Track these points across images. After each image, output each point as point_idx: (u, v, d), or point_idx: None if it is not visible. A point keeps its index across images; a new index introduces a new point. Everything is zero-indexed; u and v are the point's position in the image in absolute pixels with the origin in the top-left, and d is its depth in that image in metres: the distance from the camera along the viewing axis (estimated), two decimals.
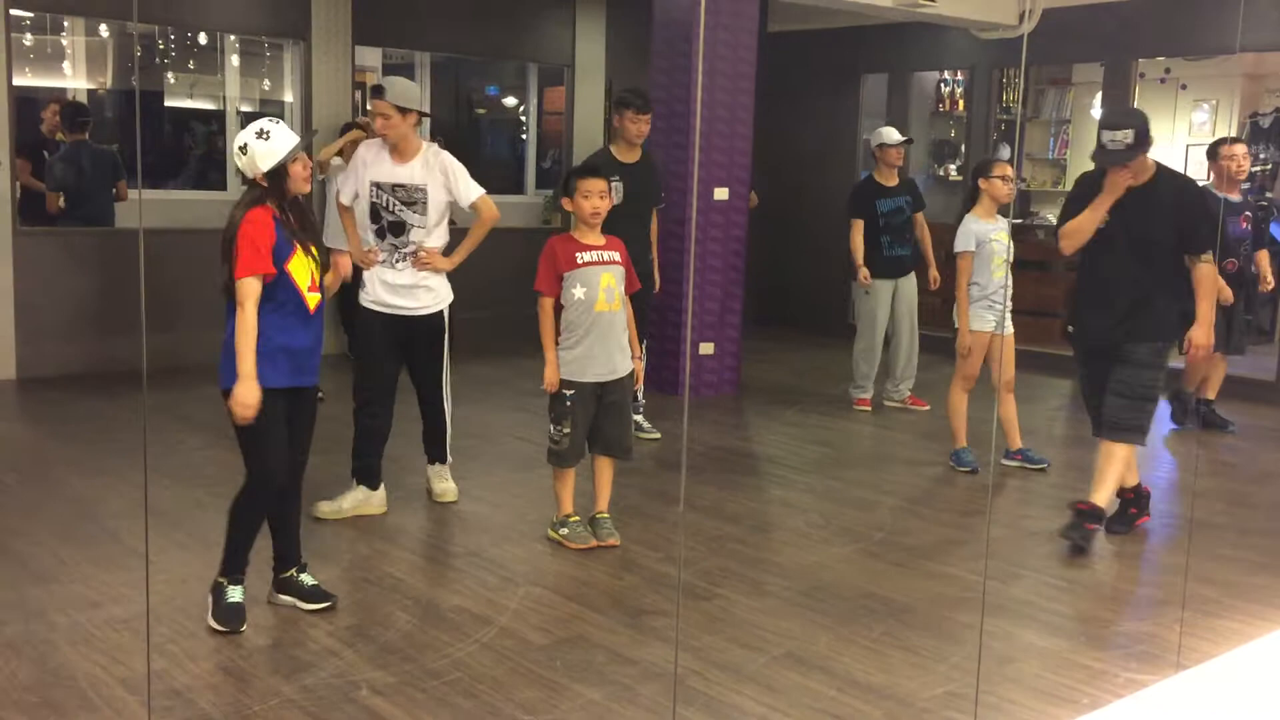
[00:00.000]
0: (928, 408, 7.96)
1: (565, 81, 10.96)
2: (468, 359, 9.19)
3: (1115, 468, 5.15)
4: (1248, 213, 7.40)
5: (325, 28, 9.15)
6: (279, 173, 3.89)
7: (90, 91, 11.00)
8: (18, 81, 8.19)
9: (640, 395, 6.81)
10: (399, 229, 5.15)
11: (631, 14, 9.80)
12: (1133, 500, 5.47)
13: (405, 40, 10.30)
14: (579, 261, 4.80)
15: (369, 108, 5.38)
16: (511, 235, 10.30)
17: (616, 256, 4.90)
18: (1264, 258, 7.54)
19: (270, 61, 10.64)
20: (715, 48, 8.01)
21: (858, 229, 7.79)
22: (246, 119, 4.05)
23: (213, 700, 3.50)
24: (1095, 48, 9.64)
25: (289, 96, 9.65)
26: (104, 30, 10.78)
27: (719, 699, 3.61)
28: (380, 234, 5.20)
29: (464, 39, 10.30)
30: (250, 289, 3.83)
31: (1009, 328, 6.42)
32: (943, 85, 11.76)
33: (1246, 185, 11.36)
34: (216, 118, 10.47)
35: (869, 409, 7.96)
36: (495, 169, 13.00)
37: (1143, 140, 4.95)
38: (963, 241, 6.28)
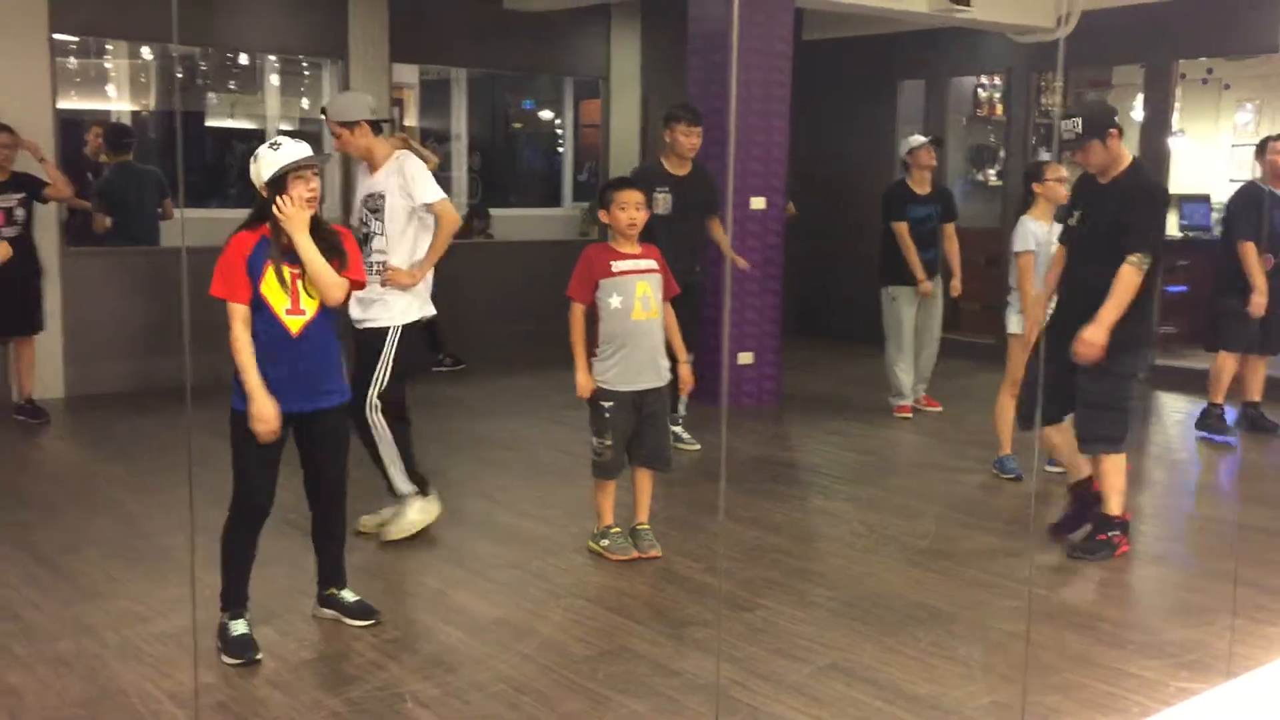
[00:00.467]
0: (940, 409, 7.95)
1: (601, 94, 11.00)
2: (504, 371, 9.25)
3: (1109, 480, 5.04)
4: None
5: (362, 46, 9.24)
6: (278, 185, 3.82)
7: (133, 113, 11.18)
8: (62, 104, 8.33)
9: (683, 407, 6.82)
10: (368, 240, 5.07)
11: (666, 26, 9.82)
12: (1096, 521, 5.19)
13: (441, 57, 10.38)
14: (614, 270, 4.81)
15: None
16: (548, 247, 10.36)
17: (653, 265, 4.90)
18: None
19: (309, 80, 10.77)
20: (750, 57, 8.00)
21: (903, 231, 7.72)
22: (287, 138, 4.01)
23: (259, 713, 3.53)
24: (1135, 49, 9.55)
25: None
26: (146, 53, 10.95)
27: (763, 710, 3.59)
28: (364, 247, 5.14)
29: (499, 54, 10.36)
30: (230, 310, 3.81)
31: None
32: (980, 90, 11.68)
33: None
34: (257, 136, 10.60)
35: (910, 415, 7.92)
36: (532, 182, 13.07)
37: (1091, 129, 4.89)
38: (1021, 241, 6.17)
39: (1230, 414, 7.46)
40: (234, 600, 3.97)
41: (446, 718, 3.52)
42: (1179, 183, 9.74)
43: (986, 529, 5.53)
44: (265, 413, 3.79)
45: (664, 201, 6.44)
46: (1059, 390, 5.07)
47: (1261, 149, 7.42)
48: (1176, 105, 9.93)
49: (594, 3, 10.00)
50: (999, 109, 11.47)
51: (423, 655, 3.97)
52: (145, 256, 8.50)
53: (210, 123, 11.23)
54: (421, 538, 5.19)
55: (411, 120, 11.52)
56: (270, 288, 3.84)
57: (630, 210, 4.83)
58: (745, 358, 8.23)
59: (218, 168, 11.27)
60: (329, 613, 4.22)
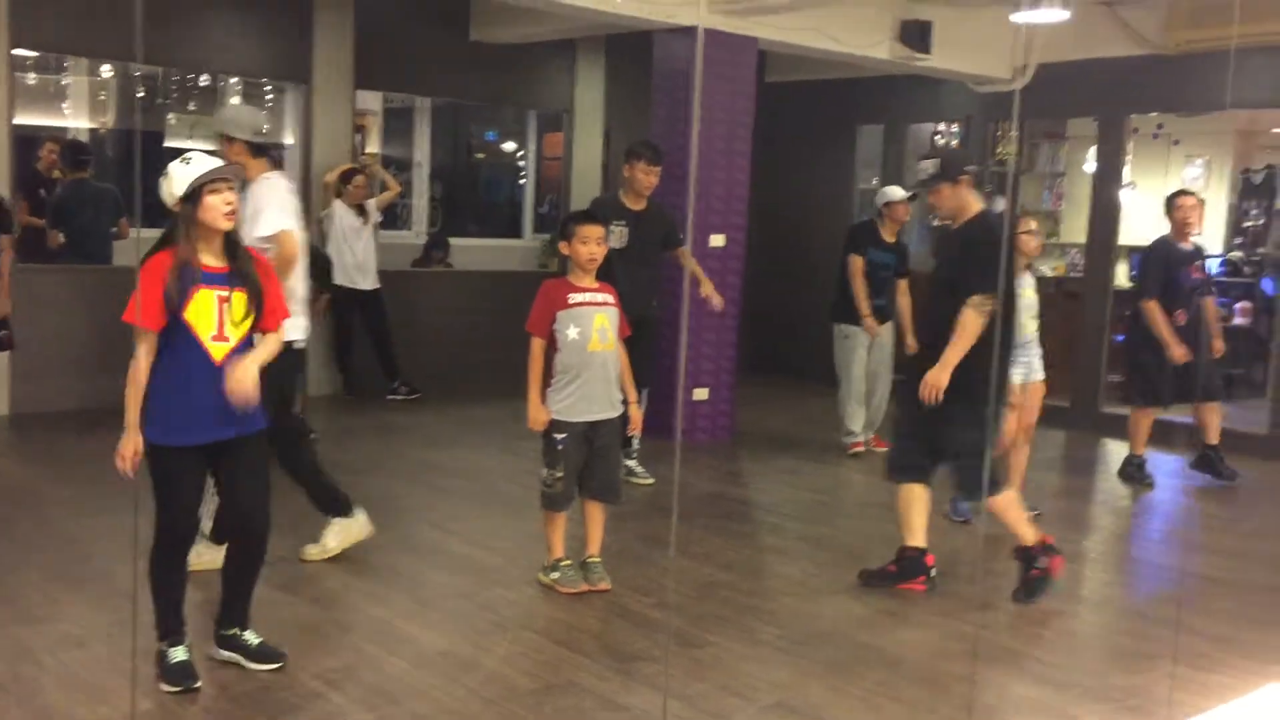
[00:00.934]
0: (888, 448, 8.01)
1: (564, 127, 11.05)
2: (460, 401, 9.21)
3: (1009, 516, 5.07)
4: (1198, 262, 7.47)
5: (327, 71, 9.24)
6: (192, 200, 3.66)
7: (91, 130, 11.09)
8: (18, 120, 8.24)
9: (636, 441, 6.82)
10: None
11: (631, 62, 9.90)
12: (900, 559, 5.21)
13: (405, 85, 10.40)
14: (571, 302, 4.83)
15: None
16: (508, 278, 10.37)
17: (610, 300, 4.93)
18: (1210, 308, 7.58)
19: (271, 103, 10.73)
20: (714, 97, 8.09)
21: (858, 266, 7.79)
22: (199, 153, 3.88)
23: None
24: (1089, 103, 9.74)
25: (289, 139, 9.72)
26: (106, 70, 10.88)
27: None
28: None
29: (464, 84, 10.39)
30: (137, 334, 3.65)
31: (1036, 374, 6.41)
32: (938, 137, 11.86)
33: (1239, 240, 11.53)
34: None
35: (861, 451, 7.98)
36: (493, 213, 13.09)
37: (943, 171, 5.01)
38: None
39: (1150, 463, 7.65)
40: (170, 628, 3.87)
41: None
42: (1130, 234, 9.92)
43: (935, 575, 5.56)
44: (128, 450, 3.62)
45: (620, 235, 6.48)
46: (926, 438, 5.07)
47: (1169, 204, 7.46)
48: (1128, 159, 10.13)
49: (560, 37, 10.07)
50: None
51: (366, 685, 3.92)
52: (97, 274, 8.40)
53: (169, 143, 11.14)
54: (368, 565, 5.14)
55: (374, 147, 11.50)
56: (196, 313, 3.66)
57: (591, 245, 4.86)
58: (700, 393, 8.26)
59: None
60: (228, 654, 4.01)
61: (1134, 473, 7.59)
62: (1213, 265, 11.14)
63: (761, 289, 10.66)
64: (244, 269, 3.78)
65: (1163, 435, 7.99)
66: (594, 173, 11.05)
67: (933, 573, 5.20)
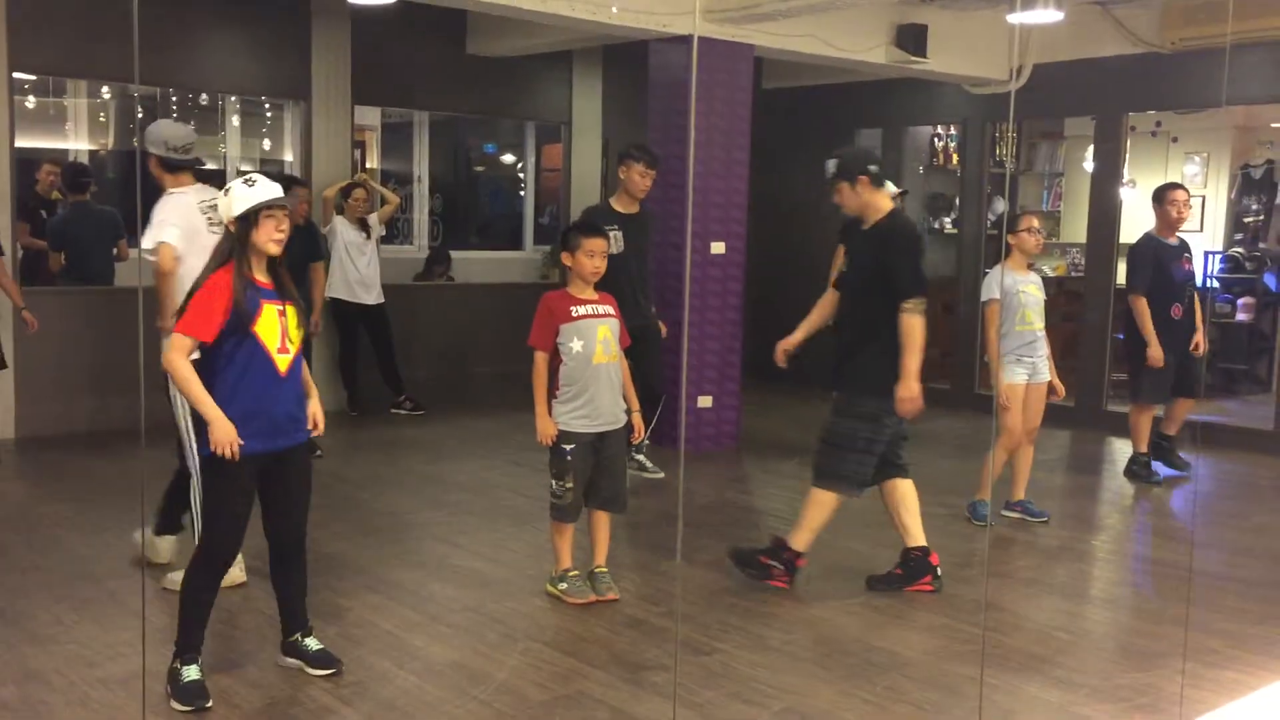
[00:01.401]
0: None
1: (563, 139, 11.07)
2: (464, 414, 9.21)
3: (811, 513, 5.14)
4: (1187, 254, 7.45)
5: (325, 88, 9.27)
6: (248, 221, 3.80)
7: (91, 152, 11.12)
8: (19, 143, 8.28)
9: (645, 437, 6.87)
10: None
11: (628, 73, 9.92)
12: (905, 562, 5.26)
13: (404, 100, 10.43)
14: (574, 315, 4.83)
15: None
16: (509, 290, 10.39)
17: (611, 310, 4.94)
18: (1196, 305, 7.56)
19: (271, 121, 10.77)
20: (711, 104, 8.11)
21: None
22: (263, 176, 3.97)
23: None
24: (1086, 102, 9.76)
25: (289, 155, 9.75)
26: (105, 92, 10.91)
27: None
28: None
29: (462, 98, 10.42)
30: (179, 344, 3.74)
31: (1042, 376, 6.40)
32: (936, 140, 11.88)
33: (1239, 236, 11.51)
34: (217, 177, 10.57)
35: None
36: (493, 225, 13.11)
37: (840, 171, 5.07)
38: (987, 290, 6.27)
39: (1156, 461, 7.64)
40: (189, 646, 3.89)
41: None
42: (1129, 232, 9.90)
43: (942, 573, 5.56)
44: (229, 435, 3.73)
45: (616, 240, 6.49)
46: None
47: (1159, 196, 7.39)
48: (1127, 157, 10.14)
49: (557, 49, 10.09)
50: (955, 158, 11.66)
51: (377, 700, 3.93)
52: (99, 296, 8.42)
53: None
54: (377, 579, 5.15)
55: (373, 162, 11.54)
56: (265, 327, 3.82)
57: (597, 258, 4.88)
58: (705, 401, 8.26)
59: None
60: (292, 661, 4.14)
61: (1139, 471, 7.58)
62: (1214, 262, 11.16)
63: (764, 295, 10.67)
64: (285, 285, 3.95)
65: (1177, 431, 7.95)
66: (593, 184, 11.07)
67: (939, 571, 5.20)
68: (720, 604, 4.98)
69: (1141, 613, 5.19)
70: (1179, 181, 8.66)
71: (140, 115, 10.77)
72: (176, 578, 4.82)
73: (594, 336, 4.83)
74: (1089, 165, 10.48)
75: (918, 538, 5.21)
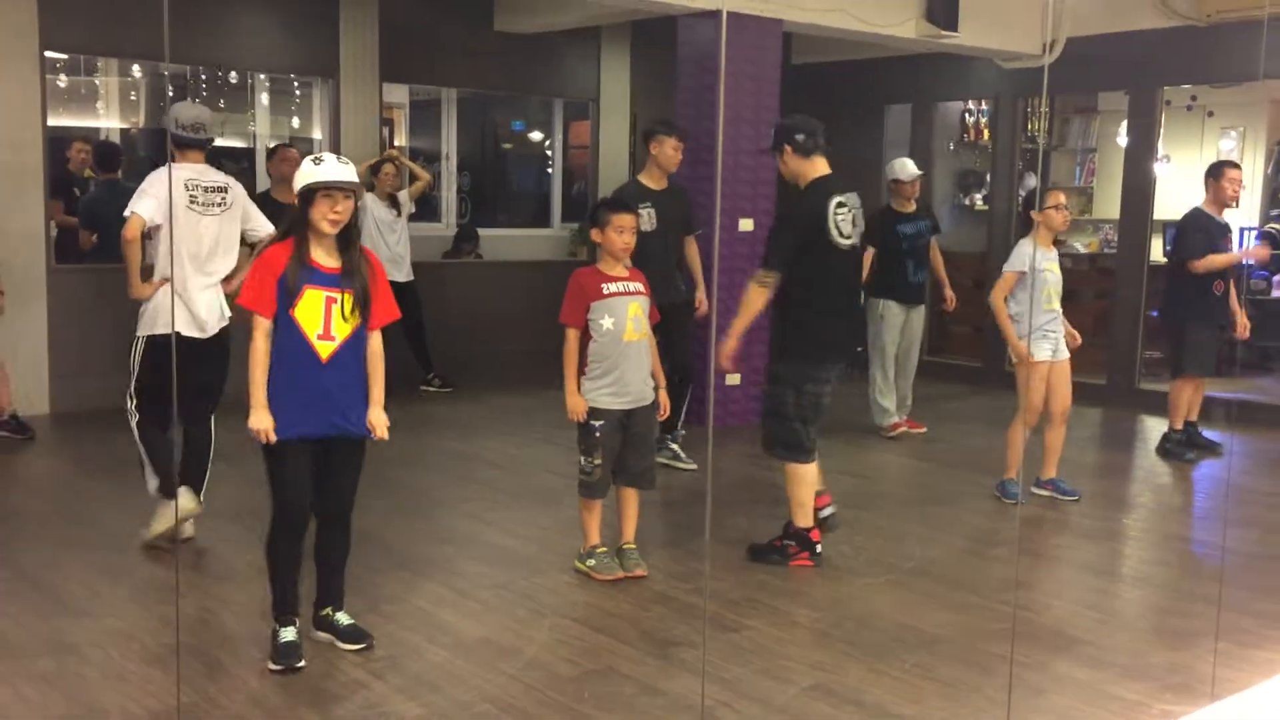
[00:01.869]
0: (924, 430, 8.01)
1: (590, 116, 11.05)
2: (493, 391, 9.24)
3: (791, 489, 5.18)
4: (1230, 234, 7.45)
5: (353, 66, 9.28)
6: (306, 199, 3.83)
7: (123, 130, 11.19)
8: (52, 122, 8.33)
9: (679, 426, 6.88)
10: None
11: (656, 49, 9.89)
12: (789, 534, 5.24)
13: (432, 77, 10.43)
14: (605, 292, 4.83)
15: None
16: (537, 268, 10.39)
17: (641, 287, 4.94)
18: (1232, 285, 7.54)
19: (300, 99, 10.79)
20: (739, 80, 8.06)
21: (867, 259, 7.83)
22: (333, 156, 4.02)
23: None
24: (1119, 76, 9.63)
25: (318, 133, 9.78)
26: (137, 70, 10.97)
27: None
28: None
29: (490, 75, 10.41)
30: (254, 322, 3.85)
31: (1063, 354, 6.36)
32: (967, 115, 11.76)
33: (1275, 212, 11.37)
34: (247, 155, 10.62)
35: (896, 435, 7.96)
36: (521, 203, 13.10)
37: (773, 141, 5.22)
38: (1013, 261, 6.25)
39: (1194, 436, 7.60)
40: (280, 607, 4.02)
41: None
42: (1164, 208, 9.81)
43: (973, 551, 5.55)
44: (259, 423, 3.83)
45: (648, 218, 6.47)
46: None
47: (1217, 172, 7.34)
48: (1161, 132, 10.01)
49: (584, 25, 10.06)
50: (985, 134, 11.55)
51: (408, 674, 3.96)
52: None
53: None
54: (407, 556, 5.18)
55: (401, 140, 11.55)
56: (305, 311, 3.84)
57: (627, 234, 4.88)
58: (733, 378, 8.24)
59: None
60: (324, 636, 4.19)
61: (1173, 448, 7.52)
62: (1249, 238, 11.01)
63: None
64: (356, 268, 3.93)
65: (1201, 410, 7.89)
66: (621, 161, 11.04)
67: (818, 548, 5.20)
68: (749, 581, 4.99)
69: (1173, 591, 5.15)
70: (1235, 160, 8.55)
71: (170, 94, 10.83)
72: (153, 530, 5.13)
73: (625, 314, 4.83)
74: (1123, 141, 10.36)
75: (800, 519, 5.21)
